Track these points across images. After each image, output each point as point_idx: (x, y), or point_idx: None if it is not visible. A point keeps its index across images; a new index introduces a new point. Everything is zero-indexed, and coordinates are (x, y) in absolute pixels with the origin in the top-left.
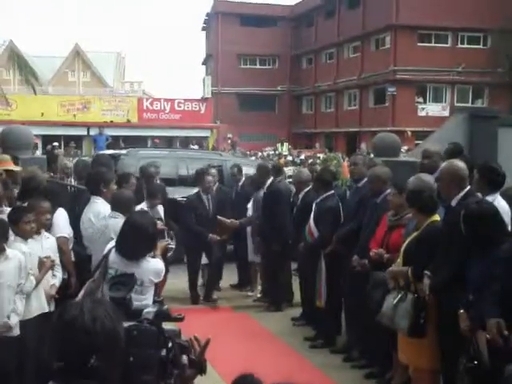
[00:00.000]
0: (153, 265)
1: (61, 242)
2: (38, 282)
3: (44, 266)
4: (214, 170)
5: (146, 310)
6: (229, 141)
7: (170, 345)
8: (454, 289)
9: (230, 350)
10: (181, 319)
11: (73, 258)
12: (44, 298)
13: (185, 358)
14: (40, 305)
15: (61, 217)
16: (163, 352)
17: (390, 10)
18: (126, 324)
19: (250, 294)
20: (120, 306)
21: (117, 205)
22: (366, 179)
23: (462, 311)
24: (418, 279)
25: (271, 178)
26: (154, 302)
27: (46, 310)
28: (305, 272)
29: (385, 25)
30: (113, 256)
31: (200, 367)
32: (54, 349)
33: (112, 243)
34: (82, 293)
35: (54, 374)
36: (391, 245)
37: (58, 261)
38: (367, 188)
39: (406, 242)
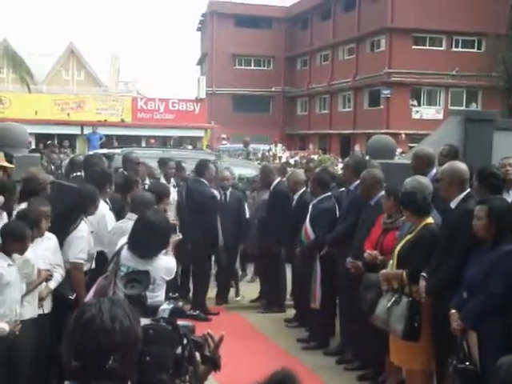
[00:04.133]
0: (165, 262)
1: (72, 268)
2: (29, 291)
3: (40, 275)
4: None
5: (161, 308)
6: (223, 141)
7: (185, 341)
8: (450, 290)
9: (222, 351)
10: (196, 316)
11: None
12: (36, 303)
13: (197, 355)
14: (32, 309)
15: (80, 235)
16: (179, 349)
17: (385, 13)
18: (142, 322)
19: (237, 298)
20: (135, 303)
21: (137, 207)
22: (358, 182)
23: (453, 311)
24: (413, 282)
25: (278, 178)
26: (169, 298)
27: (36, 316)
28: (299, 274)
29: (380, 27)
30: (125, 253)
31: (215, 363)
32: (71, 348)
33: (124, 239)
34: (93, 289)
35: (71, 373)
36: (385, 247)
37: (58, 260)
38: (358, 190)
39: (400, 244)
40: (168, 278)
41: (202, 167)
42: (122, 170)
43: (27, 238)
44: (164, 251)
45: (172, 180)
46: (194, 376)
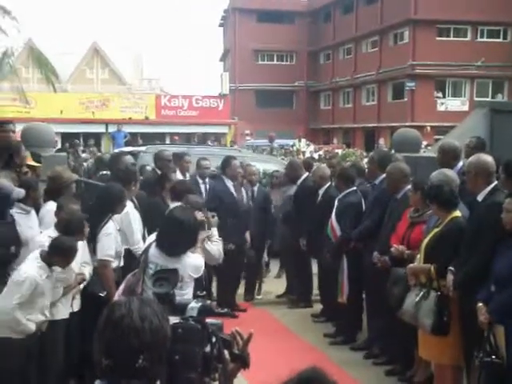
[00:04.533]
0: (193, 260)
1: (101, 265)
2: (65, 293)
3: (75, 279)
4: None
5: (190, 306)
6: (244, 137)
7: (213, 340)
8: (478, 284)
9: (250, 346)
10: (224, 314)
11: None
12: (69, 304)
13: (226, 353)
14: (65, 310)
15: (108, 232)
16: (207, 348)
17: (408, 5)
18: (171, 321)
19: (259, 297)
20: (164, 301)
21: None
22: (383, 176)
23: (480, 304)
24: (441, 276)
25: (306, 174)
26: (197, 296)
27: (68, 316)
28: (326, 268)
29: (403, 19)
30: (153, 251)
31: (244, 361)
32: (101, 347)
33: (152, 237)
34: (122, 287)
35: (101, 372)
36: (412, 241)
37: (85, 258)
38: (384, 185)
39: (427, 238)
40: (196, 276)
41: (224, 164)
42: (149, 167)
43: (73, 256)
44: (193, 249)
45: (187, 174)
46: (223, 374)
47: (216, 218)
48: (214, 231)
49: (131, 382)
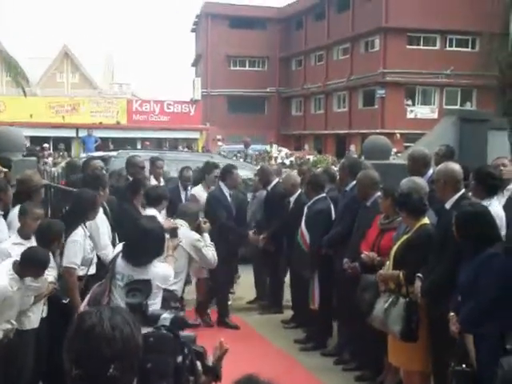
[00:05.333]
0: (160, 270)
1: (65, 272)
2: (35, 302)
3: (47, 288)
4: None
5: (162, 316)
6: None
7: (186, 351)
8: (445, 292)
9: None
10: (197, 325)
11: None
12: (40, 313)
13: (199, 365)
14: (35, 319)
15: (74, 239)
16: (179, 358)
17: (379, 13)
18: (143, 331)
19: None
20: (136, 312)
21: (181, 217)
22: (353, 183)
23: (452, 314)
24: (410, 283)
25: (276, 179)
26: (171, 307)
27: (38, 326)
28: (297, 275)
29: (374, 27)
30: (119, 261)
31: (216, 374)
32: (72, 356)
33: (119, 247)
34: (87, 297)
35: (72, 381)
36: (382, 248)
37: (52, 263)
38: (354, 192)
39: (396, 245)
40: (164, 286)
41: (224, 172)
42: (121, 172)
43: (46, 267)
44: (162, 258)
45: (161, 180)
46: None
47: (208, 224)
48: (206, 237)
49: None
